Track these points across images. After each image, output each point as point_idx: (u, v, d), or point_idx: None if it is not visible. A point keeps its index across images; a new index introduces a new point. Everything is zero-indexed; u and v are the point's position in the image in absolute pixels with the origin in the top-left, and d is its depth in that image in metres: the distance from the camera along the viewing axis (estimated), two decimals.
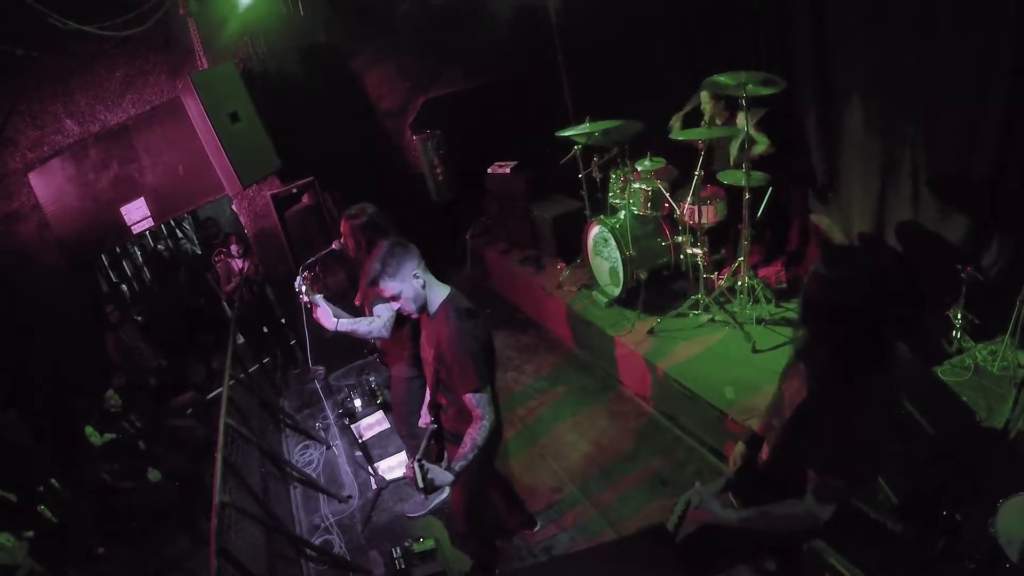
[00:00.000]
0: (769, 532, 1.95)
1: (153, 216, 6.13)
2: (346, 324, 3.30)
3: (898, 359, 3.18)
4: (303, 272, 3.48)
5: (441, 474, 2.48)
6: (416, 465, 2.42)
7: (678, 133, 4.45)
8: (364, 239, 3.38)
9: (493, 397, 2.67)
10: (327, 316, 3.33)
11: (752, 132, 4.40)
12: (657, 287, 5.01)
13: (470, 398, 2.59)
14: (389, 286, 2.57)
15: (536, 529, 3.68)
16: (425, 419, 3.10)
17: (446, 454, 2.87)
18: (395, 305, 2.66)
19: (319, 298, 3.35)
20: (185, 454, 5.15)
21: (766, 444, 2.08)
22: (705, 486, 2.05)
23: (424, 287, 2.61)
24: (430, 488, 2.44)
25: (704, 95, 4.64)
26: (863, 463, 1.77)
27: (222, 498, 3.17)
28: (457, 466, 2.55)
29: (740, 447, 2.30)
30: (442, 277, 2.74)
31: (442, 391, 2.82)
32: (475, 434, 2.59)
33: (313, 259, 4.39)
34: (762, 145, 4.51)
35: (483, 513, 3.22)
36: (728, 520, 1.92)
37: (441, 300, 2.67)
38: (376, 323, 3.28)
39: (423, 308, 2.67)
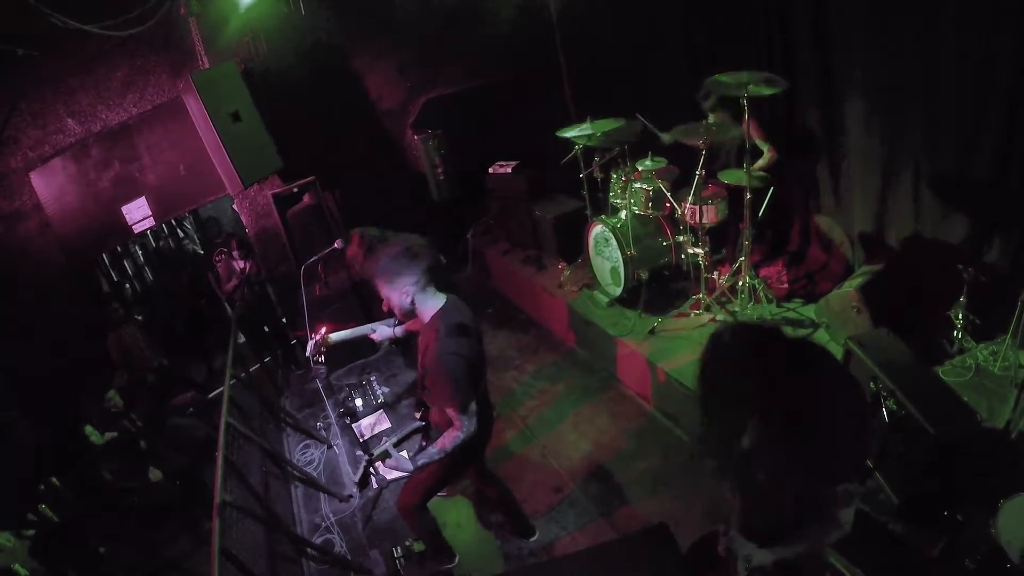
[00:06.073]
0: (803, 554, 1.94)
1: (154, 215, 6.13)
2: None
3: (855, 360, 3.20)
4: (315, 335, 3.30)
5: (404, 461, 2.69)
6: (364, 463, 2.72)
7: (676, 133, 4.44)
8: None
9: (477, 410, 2.72)
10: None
11: (757, 141, 4.40)
12: (658, 287, 5.01)
13: (450, 409, 2.68)
14: (383, 289, 2.70)
15: (534, 538, 3.68)
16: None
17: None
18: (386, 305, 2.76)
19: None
20: (186, 453, 5.14)
21: (760, 465, 2.08)
22: (731, 528, 2.03)
23: (413, 303, 2.69)
24: (363, 484, 2.75)
25: (711, 117, 4.53)
26: (851, 459, 1.80)
27: (223, 497, 3.17)
28: (419, 460, 2.70)
29: None
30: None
31: (426, 393, 2.91)
32: (447, 439, 2.69)
33: (315, 258, 4.41)
34: (765, 157, 4.50)
35: (427, 515, 3.28)
36: (765, 560, 1.91)
37: (433, 312, 2.74)
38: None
39: (409, 316, 2.78)
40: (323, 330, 3.28)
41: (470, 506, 4.00)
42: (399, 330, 3.30)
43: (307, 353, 3.28)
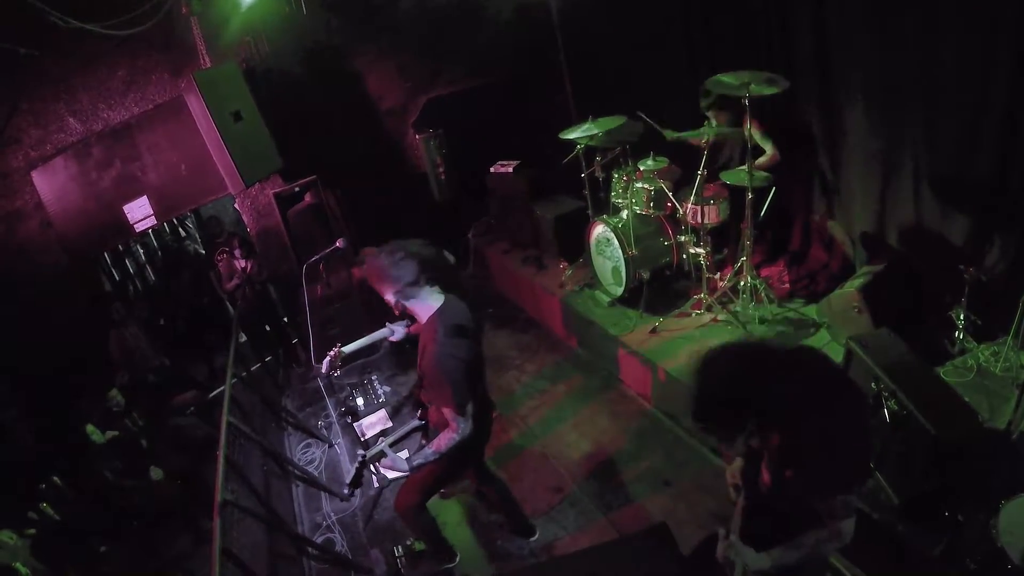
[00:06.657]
0: (804, 563, 1.94)
1: (156, 214, 6.14)
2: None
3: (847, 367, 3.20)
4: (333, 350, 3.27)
5: (400, 461, 2.69)
6: (356, 463, 2.74)
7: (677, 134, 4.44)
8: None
9: (475, 411, 2.73)
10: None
11: (758, 139, 4.39)
12: (659, 287, 5.00)
13: (447, 410, 2.68)
14: (380, 289, 2.72)
15: (534, 538, 3.68)
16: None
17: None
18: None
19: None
20: (187, 453, 5.15)
21: (764, 468, 2.07)
22: (730, 533, 2.02)
23: (401, 301, 2.71)
24: (355, 484, 2.75)
25: (708, 124, 4.57)
26: (856, 467, 1.80)
27: (224, 497, 3.18)
28: (415, 461, 2.70)
29: (738, 463, 2.28)
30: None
31: (424, 393, 2.93)
32: (443, 440, 2.69)
33: (317, 257, 4.40)
34: (767, 155, 4.49)
35: (425, 515, 3.27)
36: (763, 565, 1.91)
37: (430, 313, 2.75)
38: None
39: (405, 314, 2.82)
40: (338, 345, 3.27)
41: (470, 506, 4.00)
42: (414, 328, 3.31)
43: (324, 370, 3.26)
